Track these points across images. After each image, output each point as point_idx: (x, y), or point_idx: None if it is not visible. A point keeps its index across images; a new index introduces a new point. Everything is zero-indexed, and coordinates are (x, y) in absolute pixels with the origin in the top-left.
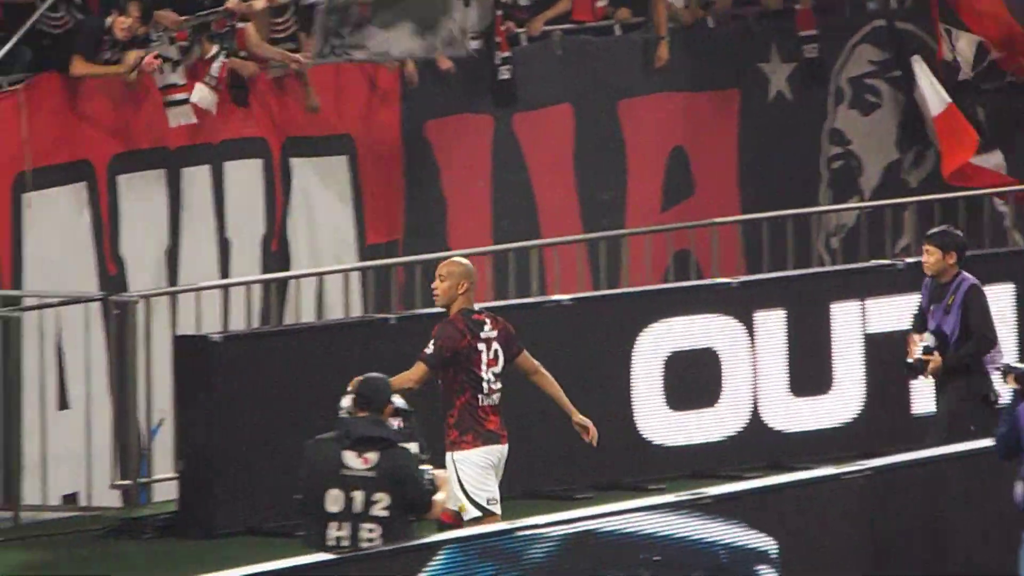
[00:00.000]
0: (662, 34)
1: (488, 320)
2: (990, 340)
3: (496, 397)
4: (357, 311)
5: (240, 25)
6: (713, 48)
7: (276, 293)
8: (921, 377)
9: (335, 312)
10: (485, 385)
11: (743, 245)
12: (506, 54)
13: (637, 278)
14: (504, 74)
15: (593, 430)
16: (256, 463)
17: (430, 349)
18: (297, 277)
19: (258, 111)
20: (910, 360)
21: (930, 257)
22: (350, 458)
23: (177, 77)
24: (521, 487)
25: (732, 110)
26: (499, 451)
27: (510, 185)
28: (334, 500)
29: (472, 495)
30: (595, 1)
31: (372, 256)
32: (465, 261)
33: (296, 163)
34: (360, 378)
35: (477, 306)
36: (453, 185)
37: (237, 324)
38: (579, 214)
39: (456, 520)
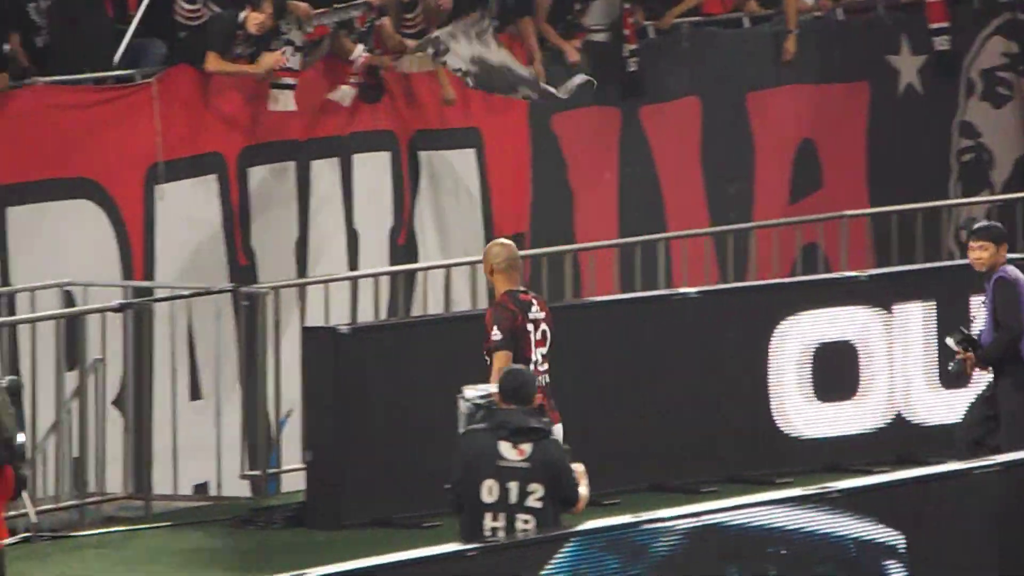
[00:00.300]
0: (792, 28)
1: (535, 301)
2: (1014, 330)
3: (543, 378)
4: (484, 303)
5: (378, 21)
6: (843, 40)
7: (404, 285)
8: (964, 378)
9: (462, 304)
10: (532, 366)
11: (872, 238)
12: (633, 47)
13: (765, 271)
14: (632, 66)
15: None
16: (383, 454)
17: (498, 335)
18: (424, 269)
19: (387, 104)
20: (949, 366)
21: (984, 253)
22: (506, 449)
23: (293, 63)
24: (648, 480)
25: (862, 102)
26: None
27: (637, 178)
28: (489, 490)
29: None
30: None
31: None
32: (502, 242)
33: (424, 156)
34: (506, 370)
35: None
36: (580, 178)
37: (365, 316)
38: (706, 207)
39: None
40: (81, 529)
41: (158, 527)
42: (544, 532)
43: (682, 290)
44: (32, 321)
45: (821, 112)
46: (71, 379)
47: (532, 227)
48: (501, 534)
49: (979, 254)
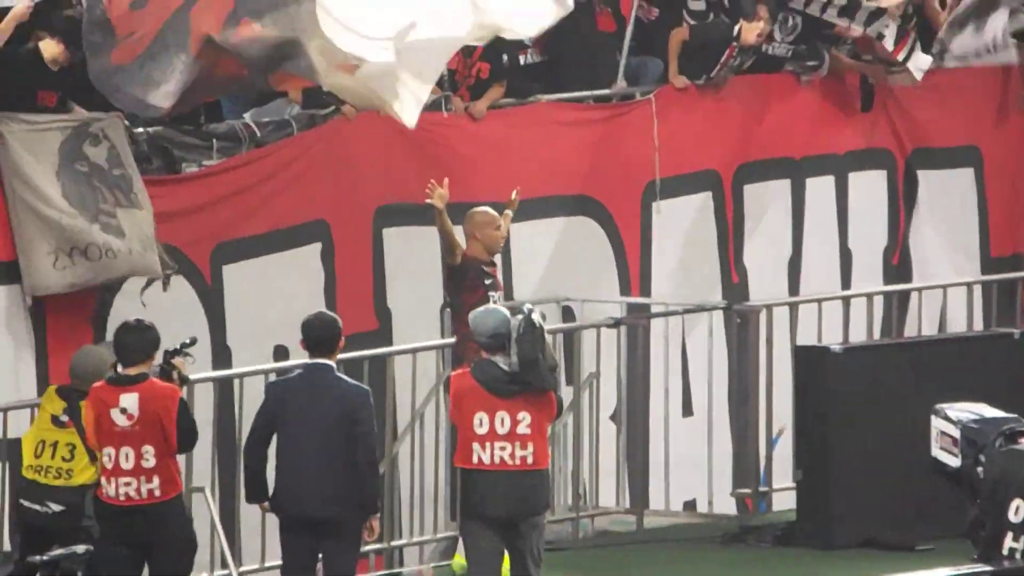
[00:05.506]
0: None
1: None
2: None
3: None
4: (979, 325)
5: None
6: None
7: (897, 305)
8: None
9: (957, 325)
10: None
11: None
12: None
13: None
14: None
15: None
16: (873, 475)
17: None
18: (918, 290)
19: (883, 121)
20: None
21: None
22: None
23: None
24: None
25: None
26: None
27: None
28: (1016, 511)
29: None
30: None
31: (996, 269)
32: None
33: (921, 175)
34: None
35: None
36: None
37: (857, 335)
38: None
39: None
40: (575, 542)
41: (649, 543)
42: None
43: None
44: None
45: None
46: (567, 393)
47: None
48: (1019, 556)
49: None
